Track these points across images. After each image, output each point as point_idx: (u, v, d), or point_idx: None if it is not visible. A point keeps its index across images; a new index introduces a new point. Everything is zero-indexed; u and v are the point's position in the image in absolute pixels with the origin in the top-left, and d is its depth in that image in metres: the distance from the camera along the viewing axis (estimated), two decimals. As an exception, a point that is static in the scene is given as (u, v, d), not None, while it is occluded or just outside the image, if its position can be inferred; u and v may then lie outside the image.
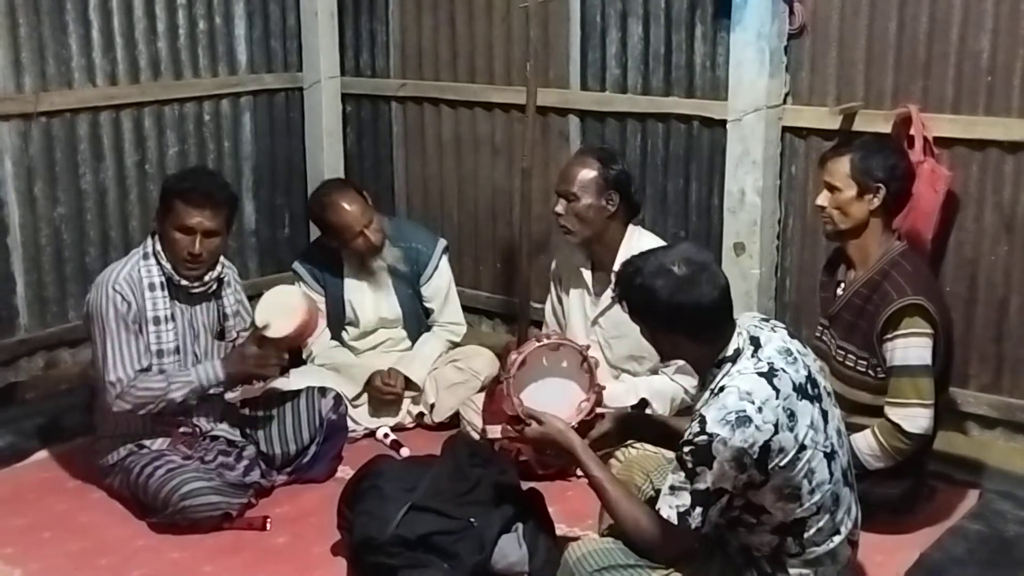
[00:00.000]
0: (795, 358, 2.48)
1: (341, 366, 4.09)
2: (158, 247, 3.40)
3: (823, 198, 3.22)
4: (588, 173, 3.57)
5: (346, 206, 3.97)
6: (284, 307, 3.45)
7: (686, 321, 2.44)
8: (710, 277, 2.43)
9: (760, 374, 2.41)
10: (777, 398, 2.38)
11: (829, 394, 2.56)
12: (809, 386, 2.47)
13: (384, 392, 3.99)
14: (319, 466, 3.64)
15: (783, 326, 2.59)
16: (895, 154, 3.24)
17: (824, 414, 2.49)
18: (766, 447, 2.35)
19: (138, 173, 4.56)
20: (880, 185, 3.14)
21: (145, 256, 3.41)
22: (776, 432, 2.36)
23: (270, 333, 3.41)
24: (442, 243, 4.23)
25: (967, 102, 3.58)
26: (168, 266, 3.38)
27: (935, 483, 3.43)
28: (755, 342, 2.48)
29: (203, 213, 3.33)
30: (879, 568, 3.04)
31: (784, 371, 2.43)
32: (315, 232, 5.01)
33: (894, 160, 3.19)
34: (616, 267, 3.55)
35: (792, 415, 2.40)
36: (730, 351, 2.46)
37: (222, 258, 3.52)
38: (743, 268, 3.96)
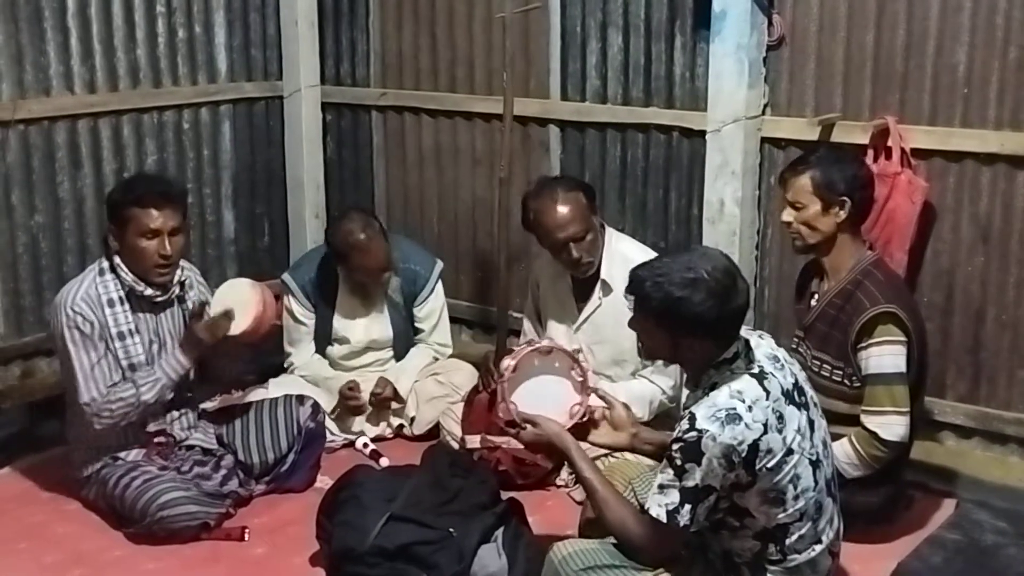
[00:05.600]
0: (782, 365, 2.53)
1: (320, 379, 4.08)
2: (116, 262, 3.36)
3: (788, 214, 3.24)
4: (581, 207, 3.55)
5: (375, 253, 3.91)
6: (237, 303, 3.42)
7: (715, 327, 2.44)
8: (743, 285, 2.47)
9: (751, 375, 2.44)
10: (767, 399, 2.41)
11: (815, 404, 2.59)
12: (796, 393, 2.50)
13: (348, 399, 3.97)
14: (297, 475, 3.63)
15: (768, 335, 2.63)
16: (853, 164, 3.25)
17: (811, 423, 2.52)
18: (755, 446, 2.37)
19: (117, 182, 4.52)
20: (844, 198, 3.16)
21: (101, 272, 3.38)
22: (765, 432, 2.38)
23: (229, 332, 3.39)
24: (439, 265, 4.22)
25: (944, 114, 3.61)
26: (130, 279, 3.35)
27: (912, 492, 3.45)
28: (747, 345, 2.52)
29: (164, 213, 3.32)
30: (857, 577, 3.06)
31: (773, 375, 2.47)
32: (295, 242, 5.03)
33: (853, 170, 3.20)
34: (604, 274, 3.60)
35: (781, 417, 2.43)
36: (730, 353, 2.48)
37: (183, 261, 3.50)
38: (722, 278, 3.97)
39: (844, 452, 3.13)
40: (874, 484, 3.16)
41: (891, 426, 3.09)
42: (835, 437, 3.15)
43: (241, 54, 4.94)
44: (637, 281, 2.47)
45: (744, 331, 2.57)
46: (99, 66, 4.42)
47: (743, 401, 2.39)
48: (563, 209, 3.55)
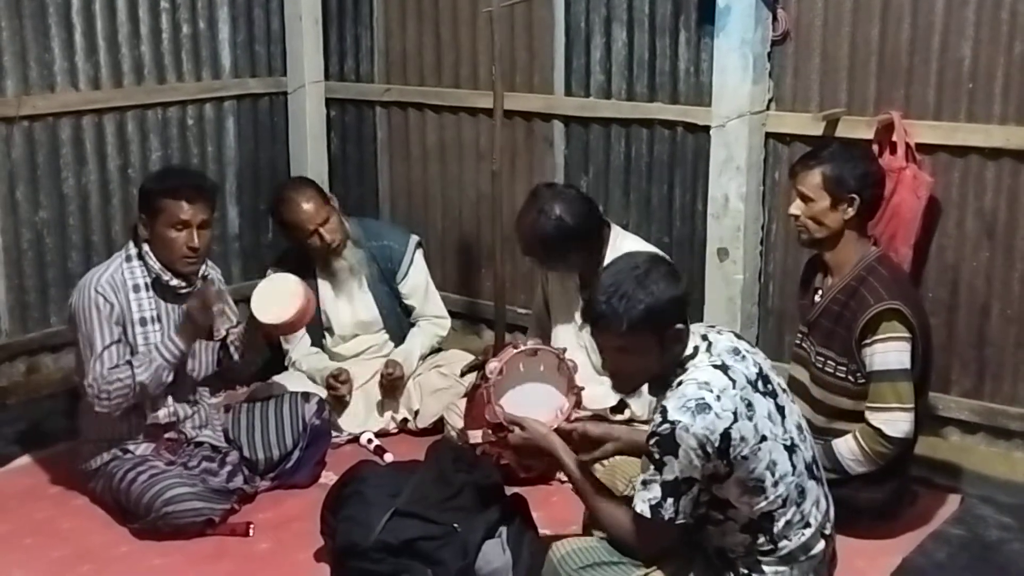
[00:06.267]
0: (743, 356, 2.54)
1: (316, 371, 4.08)
2: (144, 249, 3.38)
3: (796, 207, 3.23)
4: (535, 241, 3.53)
5: (302, 203, 3.95)
6: (282, 293, 3.43)
7: (684, 306, 2.50)
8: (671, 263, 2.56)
9: (715, 367, 2.47)
10: (734, 388, 2.44)
11: (784, 390, 2.61)
12: (760, 382, 2.52)
13: (333, 389, 3.97)
14: (302, 471, 3.63)
15: (728, 330, 2.66)
16: (865, 161, 3.25)
17: (780, 409, 2.53)
18: (727, 435, 2.39)
19: (121, 178, 4.54)
20: (854, 195, 3.15)
21: (128, 259, 3.40)
22: (736, 420, 2.40)
23: (270, 319, 3.40)
24: (414, 238, 4.23)
25: (949, 109, 3.60)
26: (157, 267, 3.37)
27: (917, 488, 3.45)
28: (705, 339, 2.55)
29: (196, 206, 3.34)
30: (861, 573, 3.05)
31: (735, 367, 2.49)
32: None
33: (864, 168, 3.20)
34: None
35: (750, 405, 2.45)
36: (690, 349, 2.51)
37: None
38: (727, 274, 3.97)
39: (849, 448, 3.13)
40: (878, 480, 3.16)
41: (896, 423, 3.09)
42: (839, 433, 3.16)
43: (245, 50, 4.95)
44: (600, 310, 2.46)
45: (703, 327, 2.61)
46: (103, 62, 4.43)
47: (711, 391, 2.41)
48: (520, 231, 3.58)
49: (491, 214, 4.60)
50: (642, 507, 2.45)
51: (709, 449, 2.38)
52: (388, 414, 4.07)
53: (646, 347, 2.48)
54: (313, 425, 3.65)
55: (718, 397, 2.40)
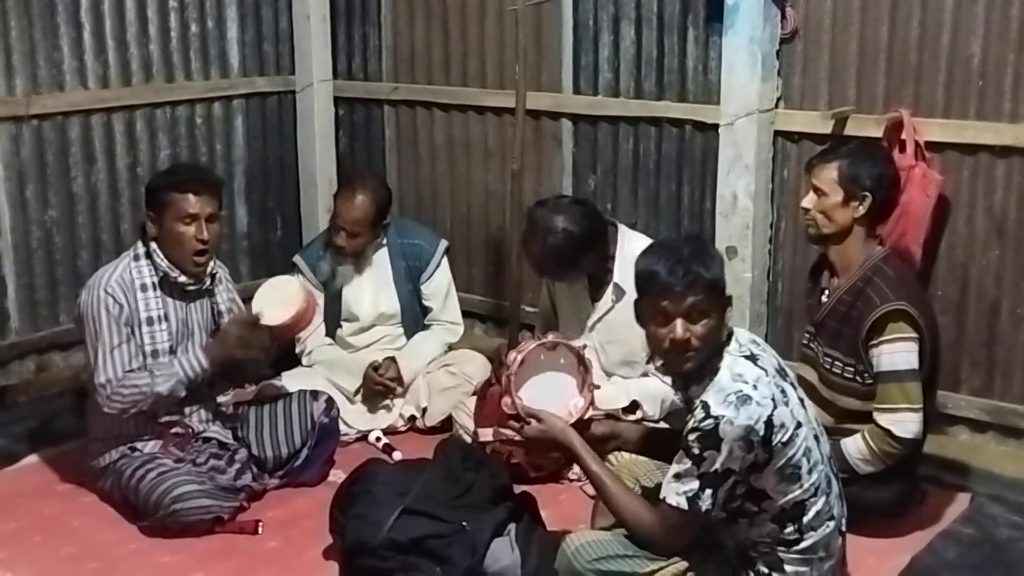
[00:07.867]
0: (763, 348, 2.60)
1: (337, 361, 4.09)
2: (152, 247, 3.39)
3: (809, 200, 3.23)
4: (545, 260, 3.52)
5: (354, 199, 3.98)
6: (282, 296, 3.46)
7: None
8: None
9: (745, 357, 2.51)
10: (767, 375, 2.48)
11: (795, 385, 2.64)
12: (782, 372, 2.57)
13: (376, 383, 3.99)
14: (311, 469, 3.64)
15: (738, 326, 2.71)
16: (882, 162, 3.25)
17: (801, 400, 2.58)
18: (769, 422, 2.42)
19: (130, 176, 4.55)
20: (867, 194, 3.15)
21: (136, 258, 3.41)
22: (775, 407, 2.44)
23: (266, 320, 3.41)
24: (444, 243, 4.27)
25: (958, 106, 3.59)
26: (164, 264, 3.37)
27: (926, 487, 3.44)
28: (729, 330, 2.58)
29: (202, 198, 3.35)
30: (870, 572, 3.04)
31: (762, 354, 2.54)
32: (308, 236, 5.05)
33: (881, 168, 3.20)
34: (616, 278, 3.57)
35: (784, 392, 2.49)
36: (723, 337, 2.55)
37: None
38: (735, 272, 3.96)
39: (857, 448, 3.12)
40: (886, 479, 3.15)
41: (905, 423, 3.08)
42: (848, 433, 3.16)
43: (253, 49, 4.96)
44: (683, 272, 2.46)
45: None
46: (112, 61, 4.44)
47: (747, 382, 2.44)
48: (531, 256, 3.57)
49: (501, 213, 4.63)
50: (677, 500, 2.46)
51: (753, 439, 2.40)
52: (396, 410, 4.08)
53: (718, 308, 2.50)
54: (322, 423, 3.66)
55: (755, 386, 2.44)
